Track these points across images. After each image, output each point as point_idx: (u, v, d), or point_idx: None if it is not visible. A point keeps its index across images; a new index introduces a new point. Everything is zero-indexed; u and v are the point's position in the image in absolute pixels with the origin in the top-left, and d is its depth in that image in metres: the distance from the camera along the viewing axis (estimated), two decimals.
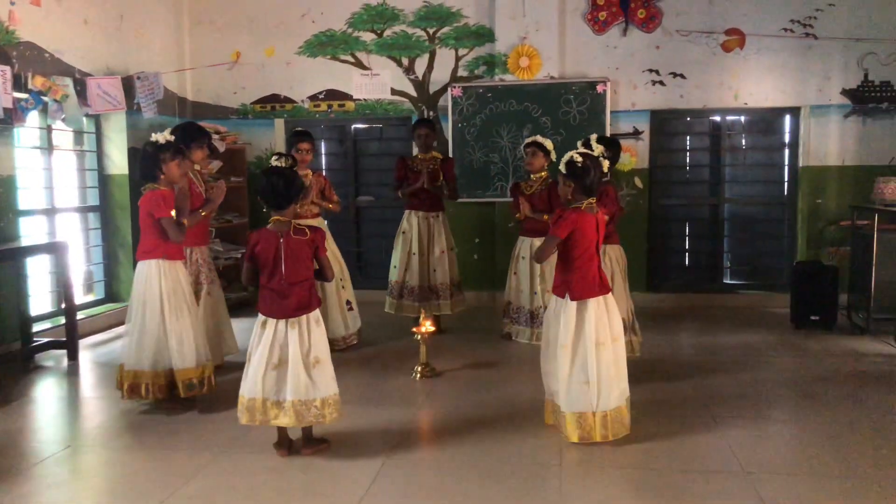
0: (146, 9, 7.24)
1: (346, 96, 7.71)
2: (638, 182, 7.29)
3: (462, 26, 7.44)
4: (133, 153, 6.68)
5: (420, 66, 7.57)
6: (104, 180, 6.92)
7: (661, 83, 7.21)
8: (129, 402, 4.40)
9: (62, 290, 5.72)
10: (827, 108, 7.05)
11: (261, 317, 3.64)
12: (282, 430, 3.69)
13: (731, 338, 6.04)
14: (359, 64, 7.65)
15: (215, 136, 6.81)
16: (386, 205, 7.75)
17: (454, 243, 6.29)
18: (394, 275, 6.16)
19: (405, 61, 7.59)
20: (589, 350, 3.71)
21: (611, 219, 4.55)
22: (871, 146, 6.98)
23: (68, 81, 6.13)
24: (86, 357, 5.67)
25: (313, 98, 7.76)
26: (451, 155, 7.16)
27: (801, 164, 7.20)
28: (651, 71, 7.22)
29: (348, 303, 5.76)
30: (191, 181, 4.83)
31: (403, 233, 6.14)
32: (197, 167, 5.02)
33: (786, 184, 7.43)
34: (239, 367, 3.88)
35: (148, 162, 4.30)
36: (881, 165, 6.88)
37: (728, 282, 7.62)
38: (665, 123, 7.47)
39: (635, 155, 7.27)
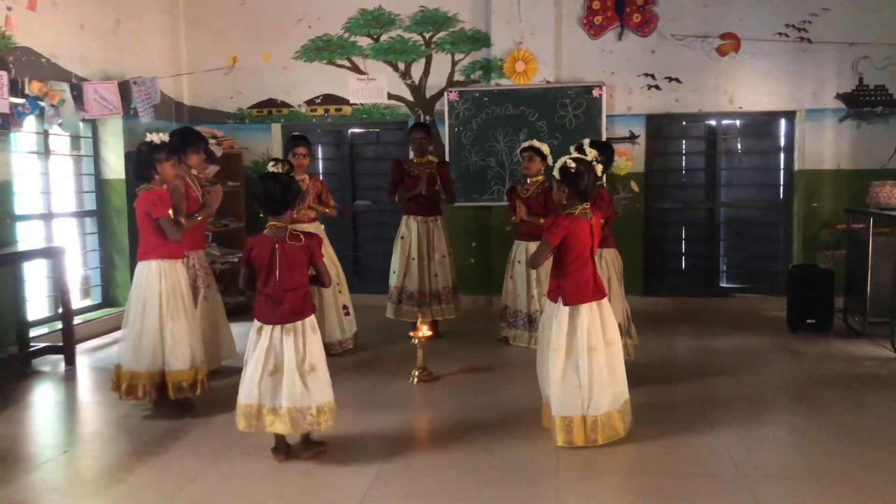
0: (143, 13, 7.25)
1: (343, 101, 7.72)
2: (634, 186, 7.31)
3: (458, 31, 7.45)
4: (130, 158, 6.69)
5: (416, 70, 7.59)
6: (101, 185, 6.92)
7: (657, 87, 7.24)
8: (127, 403, 4.39)
9: (59, 294, 5.72)
10: (822, 112, 7.07)
11: (256, 323, 3.65)
12: (279, 436, 3.69)
13: (728, 341, 6.06)
14: (355, 68, 7.66)
15: (212, 141, 6.81)
16: (383, 209, 7.75)
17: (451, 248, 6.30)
18: (393, 280, 6.17)
19: (401, 66, 7.61)
20: (581, 355, 3.72)
21: (606, 223, 4.57)
22: (866, 150, 7.00)
23: (65, 86, 6.14)
24: (83, 362, 5.66)
25: (310, 103, 7.77)
26: (447, 159, 7.17)
27: (796, 167, 7.22)
28: (647, 75, 7.24)
29: (345, 307, 5.76)
30: (188, 185, 4.84)
31: (402, 238, 6.14)
32: (194, 172, 5.03)
33: (781, 187, 7.45)
34: (237, 371, 3.89)
35: (142, 162, 4.30)
36: (876, 169, 6.90)
37: (724, 285, 7.64)
38: (661, 127, 7.50)
39: (631, 159, 7.29)
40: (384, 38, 7.59)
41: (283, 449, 3.70)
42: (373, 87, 7.64)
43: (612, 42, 7.26)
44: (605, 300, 3.89)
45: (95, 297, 6.96)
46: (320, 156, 8.07)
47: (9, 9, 5.62)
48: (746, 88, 7.15)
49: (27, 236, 6.00)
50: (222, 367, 5.13)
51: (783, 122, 7.36)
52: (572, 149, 4.03)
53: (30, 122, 5.99)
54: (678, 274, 7.73)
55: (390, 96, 7.63)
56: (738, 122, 7.50)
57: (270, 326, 3.60)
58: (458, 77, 7.51)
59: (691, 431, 4.01)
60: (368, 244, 8.09)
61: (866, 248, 5.92)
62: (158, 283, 4.26)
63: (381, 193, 7.61)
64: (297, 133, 6.00)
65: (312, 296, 3.88)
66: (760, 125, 7.49)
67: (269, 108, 7.85)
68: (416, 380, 4.98)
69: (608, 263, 4.90)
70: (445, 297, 6.15)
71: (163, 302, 4.26)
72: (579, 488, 3.38)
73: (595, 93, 7.14)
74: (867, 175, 6.76)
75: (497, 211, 7.30)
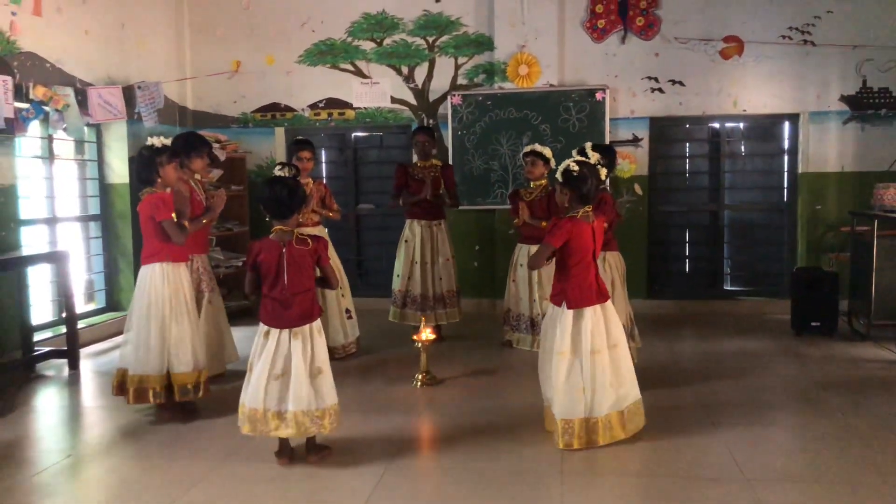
0: (147, 18, 7.27)
1: (347, 105, 7.73)
2: (638, 189, 7.31)
3: (461, 35, 7.46)
4: (133, 162, 6.69)
5: (420, 74, 7.60)
6: (105, 189, 6.94)
7: (660, 90, 7.23)
8: (130, 407, 4.39)
9: (63, 299, 5.73)
10: (826, 115, 7.06)
11: (263, 326, 3.65)
12: (282, 439, 3.69)
13: (732, 344, 6.04)
14: (359, 72, 7.67)
15: (216, 145, 6.84)
16: (386, 213, 7.75)
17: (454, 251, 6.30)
18: (397, 284, 6.16)
19: (405, 70, 7.62)
20: (584, 358, 3.72)
21: (609, 226, 4.57)
22: (870, 152, 6.99)
23: (69, 91, 6.15)
24: (87, 366, 5.68)
25: (313, 106, 7.79)
26: (450, 162, 7.18)
27: (800, 170, 7.21)
28: (650, 78, 7.24)
29: (347, 311, 5.76)
30: (192, 190, 4.85)
31: (406, 242, 6.14)
32: (198, 176, 5.04)
33: (785, 190, 7.44)
34: (240, 375, 3.89)
35: (144, 166, 4.31)
36: (880, 171, 6.89)
37: (728, 288, 7.62)
38: (664, 130, 7.49)
39: (635, 162, 7.29)
40: (387, 41, 7.60)
41: (286, 453, 3.70)
42: (376, 90, 7.66)
43: (616, 45, 7.26)
44: (609, 303, 3.89)
45: (99, 302, 6.98)
46: (324, 159, 8.08)
47: (14, 14, 5.64)
48: (750, 91, 7.14)
49: (31, 241, 6.02)
50: (226, 370, 5.13)
51: (787, 124, 7.34)
52: (574, 152, 4.03)
53: (34, 127, 6.00)
54: (682, 277, 7.72)
55: (394, 100, 7.64)
56: (741, 125, 7.50)
57: (278, 330, 3.60)
58: (461, 81, 7.52)
59: (695, 434, 4.00)
60: (372, 248, 8.10)
61: (871, 251, 5.90)
62: (163, 286, 4.27)
63: (384, 197, 7.61)
64: (300, 137, 6.00)
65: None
66: (764, 128, 7.48)
67: (272, 112, 7.86)
68: (419, 383, 4.98)
69: (612, 266, 4.90)
70: (449, 300, 6.15)
71: (166, 305, 4.27)
72: (583, 491, 3.37)
73: (598, 96, 7.14)
74: (871, 177, 6.74)
75: (500, 214, 7.30)
